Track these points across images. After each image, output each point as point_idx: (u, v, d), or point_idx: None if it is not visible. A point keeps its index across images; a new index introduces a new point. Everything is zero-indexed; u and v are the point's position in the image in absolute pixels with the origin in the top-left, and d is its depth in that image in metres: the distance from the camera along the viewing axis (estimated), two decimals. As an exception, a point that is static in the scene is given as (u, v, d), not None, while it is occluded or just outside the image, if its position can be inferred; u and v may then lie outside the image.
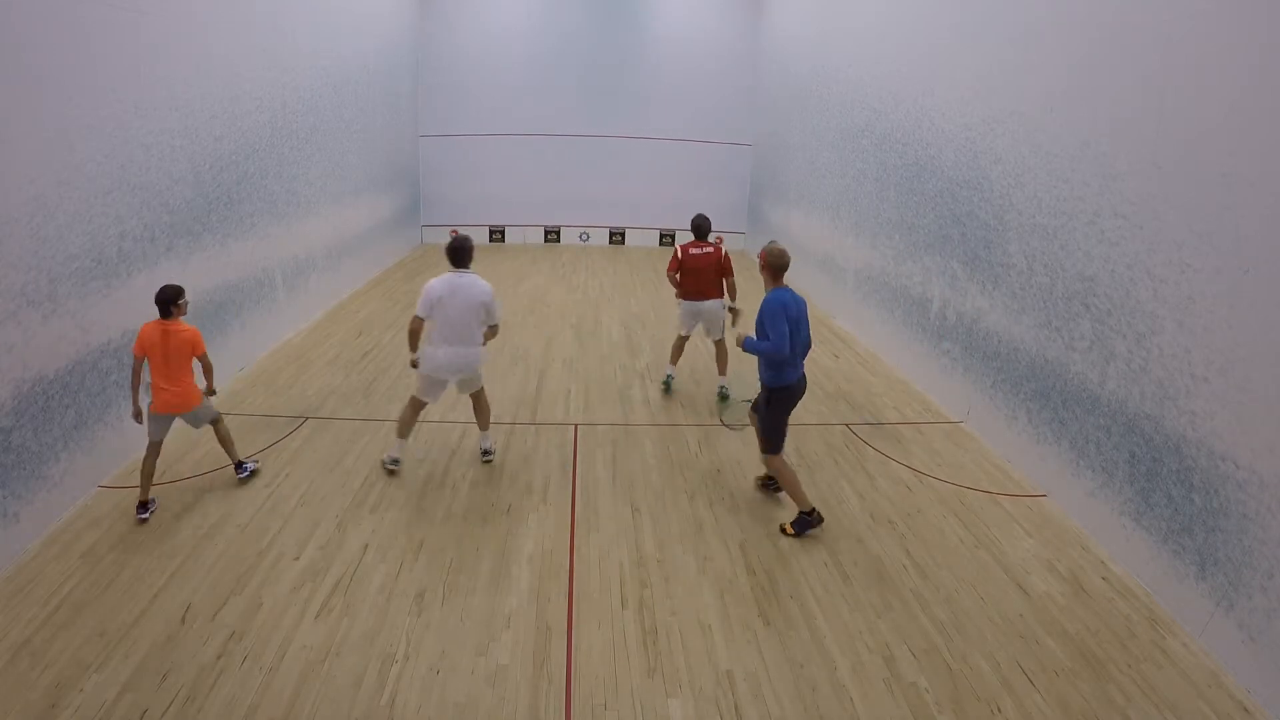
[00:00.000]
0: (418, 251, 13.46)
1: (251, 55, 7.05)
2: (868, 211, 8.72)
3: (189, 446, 5.43)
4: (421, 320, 4.99)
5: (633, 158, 14.29)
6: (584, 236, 14.79)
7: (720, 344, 6.70)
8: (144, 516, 4.51)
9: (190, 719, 3.10)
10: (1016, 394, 5.66)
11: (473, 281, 5.02)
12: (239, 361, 6.98)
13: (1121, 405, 4.54)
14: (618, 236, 14.67)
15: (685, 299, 6.53)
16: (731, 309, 6.04)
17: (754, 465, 5.51)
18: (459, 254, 5.05)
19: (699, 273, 6.41)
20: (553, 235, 14.73)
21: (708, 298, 6.47)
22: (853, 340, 8.79)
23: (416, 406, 5.23)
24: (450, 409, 6.34)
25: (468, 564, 4.22)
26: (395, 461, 5.25)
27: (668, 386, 6.96)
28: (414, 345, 5.03)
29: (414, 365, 5.10)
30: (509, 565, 4.22)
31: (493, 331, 5.19)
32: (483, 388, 5.40)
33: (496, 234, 14.49)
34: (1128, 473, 4.45)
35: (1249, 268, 3.65)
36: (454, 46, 13.68)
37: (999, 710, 3.31)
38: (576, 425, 6.14)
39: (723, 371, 6.77)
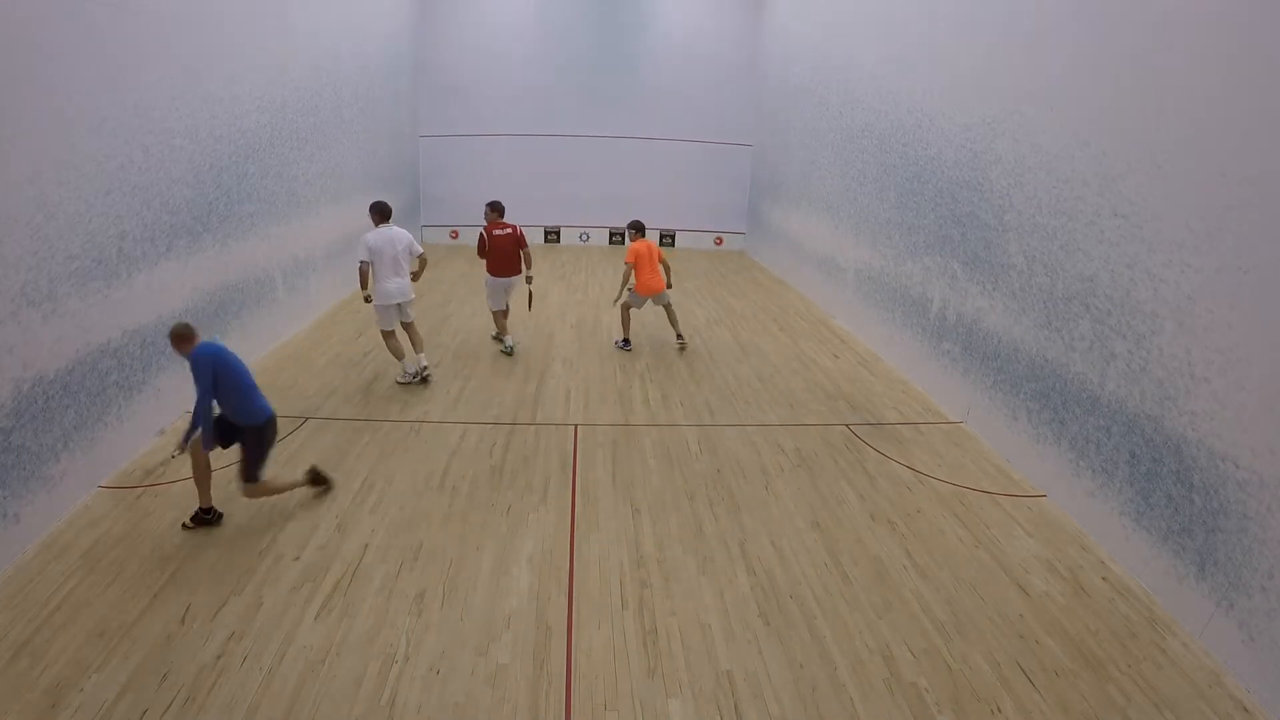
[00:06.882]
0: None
1: (251, 55, 7.05)
2: (868, 211, 8.72)
3: (189, 446, 5.44)
4: (367, 264, 6.42)
5: (633, 158, 14.28)
6: (584, 236, 14.79)
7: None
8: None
9: (190, 719, 3.10)
10: (1016, 394, 5.66)
11: (400, 231, 6.65)
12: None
13: (1121, 405, 4.54)
14: (618, 237, 14.66)
15: (496, 276, 7.64)
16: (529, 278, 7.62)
17: (753, 466, 5.52)
18: (382, 214, 6.58)
19: (504, 252, 7.53)
20: (553, 235, 14.73)
21: (514, 273, 7.64)
22: (853, 340, 8.79)
23: (389, 336, 6.74)
24: (450, 409, 6.35)
25: (468, 564, 4.22)
26: (413, 374, 6.78)
27: (510, 351, 7.84)
28: (364, 284, 6.50)
29: (367, 300, 6.60)
30: (509, 565, 4.22)
31: (422, 262, 6.74)
32: (414, 319, 6.96)
33: (496, 234, 14.47)
34: (1128, 473, 4.45)
35: (1249, 268, 3.65)
36: (454, 46, 13.67)
37: (999, 710, 3.31)
38: (576, 425, 6.14)
39: (506, 331, 7.95)
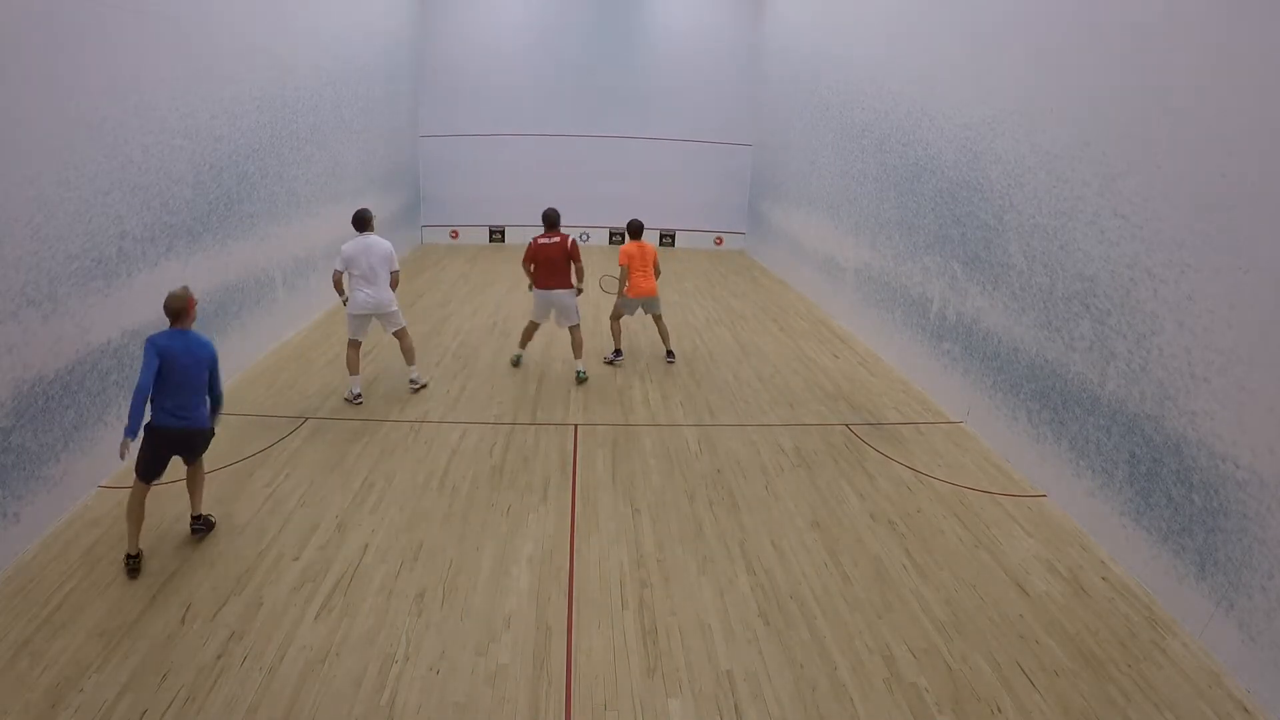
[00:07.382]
0: (417, 251, 13.45)
1: (251, 55, 7.05)
2: (868, 211, 8.72)
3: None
4: (340, 273, 6.29)
5: (633, 158, 14.28)
6: (584, 236, 14.78)
7: (575, 330, 7.16)
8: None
9: (190, 719, 3.10)
10: (1016, 394, 5.66)
11: (377, 240, 6.40)
12: (239, 362, 6.97)
13: (1121, 405, 4.54)
14: (617, 236, 14.65)
15: (539, 288, 7.05)
16: (580, 290, 7.06)
17: (753, 466, 5.52)
18: (361, 222, 6.45)
19: (550, 263, 6.92)
20: (553, 235, 14.72)
21: (559, 287, 6.99)
22: (853, 340, 8.79)
23: (352, 346, 6.40)
24: (450, 409, 6.35)
25: (468, 564, 4.22)
26: (358, 396, 6.34)
27: (517, 362, 7.54)
28: (339, 290, 6.35)
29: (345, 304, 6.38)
30: (509, 565, 4.22)
31: (395, 278, 6.43)
32: (405, 327, 6.60)
33: (496, 234, 14.47)
34: (1128, 473, 4.45)
35: (1249, 268, 3.65)
36: (454, 46, 13.67)
37: (999, 710, 3.31)
38: (576, 425, 6.14)
39: (578, 355, 7.21)
